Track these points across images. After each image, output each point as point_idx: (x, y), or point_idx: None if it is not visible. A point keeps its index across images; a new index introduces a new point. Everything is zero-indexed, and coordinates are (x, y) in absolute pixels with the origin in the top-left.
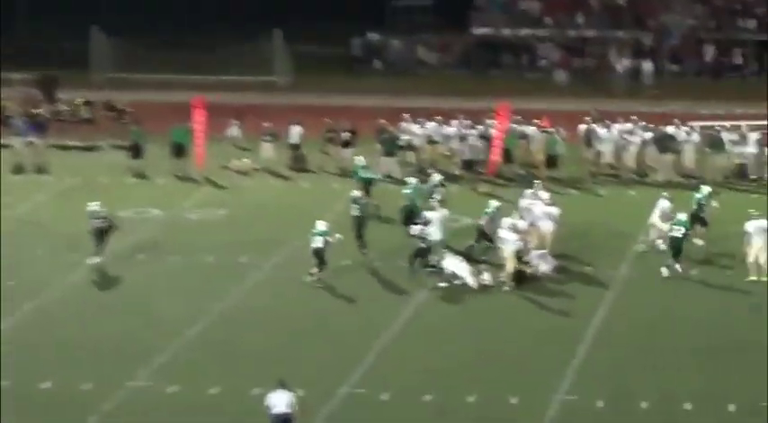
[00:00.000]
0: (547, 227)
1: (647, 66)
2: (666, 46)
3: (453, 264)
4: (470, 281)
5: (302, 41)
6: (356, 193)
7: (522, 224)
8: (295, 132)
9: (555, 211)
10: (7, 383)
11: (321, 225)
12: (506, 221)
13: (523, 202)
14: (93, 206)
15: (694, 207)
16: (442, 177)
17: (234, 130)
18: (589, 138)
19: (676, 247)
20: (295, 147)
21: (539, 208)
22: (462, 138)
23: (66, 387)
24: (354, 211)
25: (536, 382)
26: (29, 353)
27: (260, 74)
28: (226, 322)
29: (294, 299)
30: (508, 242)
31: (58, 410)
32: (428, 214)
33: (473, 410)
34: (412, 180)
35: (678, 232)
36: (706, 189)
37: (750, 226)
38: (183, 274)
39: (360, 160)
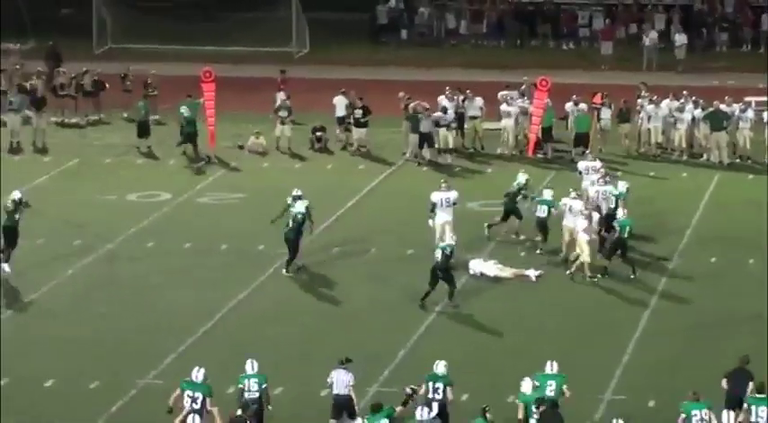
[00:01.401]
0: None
1: (681, 38)
2: (720, 13)
3: (478, 265)
4: (504, 273)
5: (321, 8)
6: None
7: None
8: (341, 104)
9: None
10: (7, 381)
11: (547, 193)
12: (575, 204)
13: (587, 184)
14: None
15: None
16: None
17: (283, 102)
18: (625, 114)
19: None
20: (342, 120)
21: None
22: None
23: (72, 385)
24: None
25: (582, 381)
26: (29, 349)
27: (274, 44)
28: (243, 316)
29: (318, 291)
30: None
31: (65, 409)
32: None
33: (512, 411)
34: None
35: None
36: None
37: None
38: (197, 263)
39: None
